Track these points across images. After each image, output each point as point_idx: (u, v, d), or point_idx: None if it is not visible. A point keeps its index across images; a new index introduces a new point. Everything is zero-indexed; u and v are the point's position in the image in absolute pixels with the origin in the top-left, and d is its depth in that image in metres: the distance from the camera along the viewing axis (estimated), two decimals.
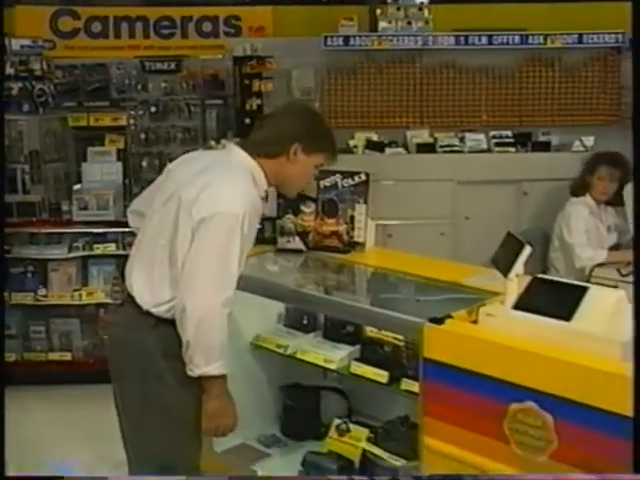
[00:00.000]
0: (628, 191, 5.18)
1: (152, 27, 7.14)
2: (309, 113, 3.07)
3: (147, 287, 2.77)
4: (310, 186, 3.62)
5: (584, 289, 2.56)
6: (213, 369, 2.66)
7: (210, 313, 2.61)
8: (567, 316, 2.49)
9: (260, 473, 3.44)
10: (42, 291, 5.47)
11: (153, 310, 2.74)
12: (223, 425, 2.81)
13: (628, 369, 2.31)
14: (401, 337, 3.23)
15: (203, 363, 2.65)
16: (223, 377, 2.72)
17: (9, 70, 5.57)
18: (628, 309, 2.52)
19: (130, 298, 2.82)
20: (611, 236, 5.40)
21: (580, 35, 6.51)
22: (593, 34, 6.51)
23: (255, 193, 2.76)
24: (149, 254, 2.80)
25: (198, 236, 2.63)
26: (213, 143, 5.56)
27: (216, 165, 2.82)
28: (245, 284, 3.36)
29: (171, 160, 5.55)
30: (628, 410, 2.21)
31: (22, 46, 5.73)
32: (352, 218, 3.64)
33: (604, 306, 2.48)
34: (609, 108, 6.69)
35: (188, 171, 2.82)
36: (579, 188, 5.43)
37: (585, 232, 5.28)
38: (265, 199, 2.89)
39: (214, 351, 2.66)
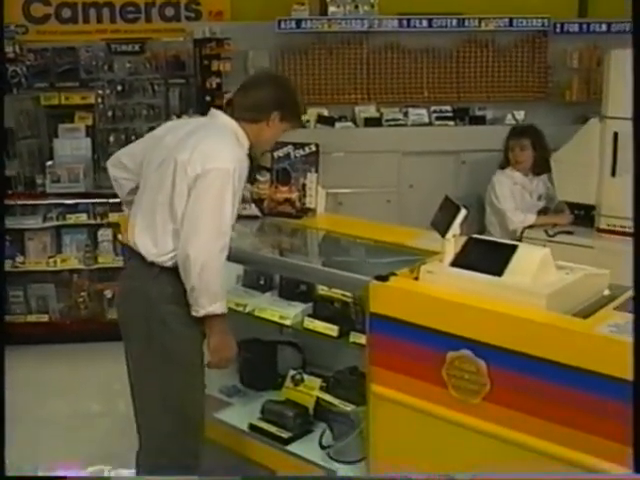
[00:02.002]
0: (555, 158, 5.24)
1: (118, 12, 6.95)
2: (288, 84, 3.19)
3: (152, 241, 2.82)
4: (264, 157, 3.61)
5: (514, 247, 2.57)
6: (216, 308, 2.75)
7: (211, 258, 2.70)
8: (499, 272, 2.50)
9: (223, 420, 3.44)
10: (20, 258, 5.45)
11: (158, 260, 2.80)
12: (225, 358, 2.91)
13: (552, 318, 2.34)
14: (349, 294, 3.21)
15: (207, 303, 2.73)
16: (224, 315, 2.81)
17: None
18: (552, 264, 2.55)
19: (135, 254, 2.87)
20: (539, 203, 5.43)
21: (511, 19, 6.49)
22: (522, 18, 6.49)
23: (241, 151, 2.85)
24: (150, 213, 2.84)
25: (195, 191, 2.71)
26: (175, 118, 5.49)
27: (204, 127, 2.90)
28: None
29: (136, 135, 5.57)
30: (551, 354, 2.24)
31: None
32: (304, 186, 3.62)
33: (531, 262, 2.49)
34: (537, 85, 6.69)
35: (177, 136, 2.89)
36: (503, 162, 5.47)
37: (511, 198, 5.32)
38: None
39: (216, 292, 2.75)
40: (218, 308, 2.76)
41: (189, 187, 2.72)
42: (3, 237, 4.98)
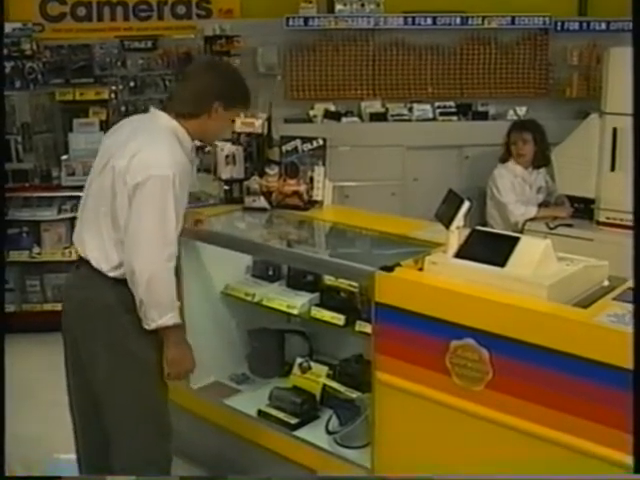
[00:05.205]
0: (556, 152, 5.22)
1: (131, 10, 6.93)
2: (226, 71, 2.94)
3: (101, 253, 2.66)
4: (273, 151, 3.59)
5: (516, 239, 2.55)
6: (167, 320, 2.61)
7: (157, 271, 2.56)
8: (501, 263, 2.48)
9: (232, 406, 3.43)
10: (36, 249, 5.43)
11: (110, 274, 2.66)
12: (183, 370, 2.77)
13: (553, 308, 2.33)
14: (355, 284, 3.20)
15: (157, 317, 2.60)
16: (178, 326, 2.66)
17: None
18: (553, 256, 2.53)
19: (85, 262, 2.71)
20: (539, 196, 5.41)
21: (513, 17, 6.48)
22: (524, 17, 6.48)
23: (182, 153, 2.68)
24: (95, 222, 2.69)
25: (135, 200, 2.55)
26: None
27: (142, 131, 2.71)
28: (216, 239, 3.36)
29: None
30: (552, 343, 2.23)
31: (14, 29, 5.65)
32: (311, 179, 3.59)
33: (533, 254, 2.48)
34: (538, 82, 6.67)
35: (117, 139, 2.73)
36: (503, 155, 5.45)
37: (512, 191, 5.31)
38: (202, 149, 2.79)
39: (166, 304, 2.60)
40: (169, 320, 2.61)
41: (129, 196, 2.56)
42: (4, 228, 5.01)
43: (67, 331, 2.86)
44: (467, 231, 2.67)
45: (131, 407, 2.76)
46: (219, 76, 2.81)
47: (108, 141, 2.79)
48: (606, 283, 2.59)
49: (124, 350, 2.69)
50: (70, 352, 2.89)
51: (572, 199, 5.22)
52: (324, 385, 3.36)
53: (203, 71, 2.88)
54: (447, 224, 2.66)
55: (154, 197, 2.55)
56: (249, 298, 3.49)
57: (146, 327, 2.62)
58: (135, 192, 2.55)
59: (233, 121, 3.44)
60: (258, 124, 3.64)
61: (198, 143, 3.02)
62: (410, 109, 6.47)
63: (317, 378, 3.38)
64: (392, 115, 6.42)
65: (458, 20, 6.47)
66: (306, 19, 6.33)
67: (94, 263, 2.67)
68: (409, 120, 6.41)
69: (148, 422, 2.78)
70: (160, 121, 2.74)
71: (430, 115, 6.46)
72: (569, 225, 5.06)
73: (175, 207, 2.58)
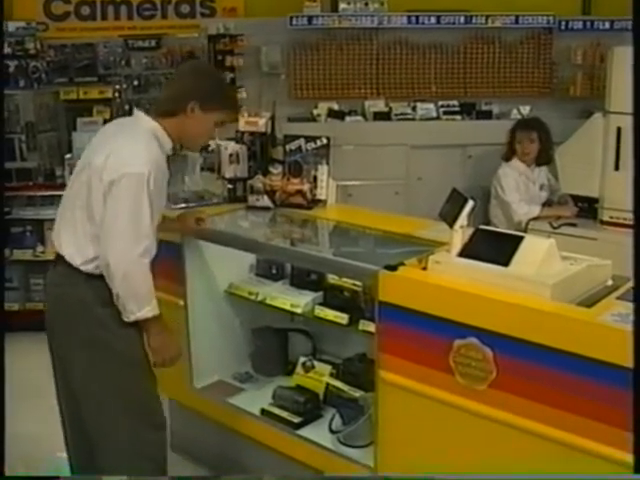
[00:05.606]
0: (559, 151, 5.22)
1: (135, 9, 6.95)
2: (207, 73, 3.03)
3: (75, 248, 2.70)
4: (276, 150, 3.58)
5: (520, 238, 2.54)
6: (146, 312, 2.66)
7: (132, 265, 2.61)
8: (505, 262, 2.47)
9: (236, 405, 3.42)
10: (40, 248, 5.45)
11: (82, 268, 2.68)
12: (168, 357, 2.80)
13: (556, 307, 2.32)
14: (359, 283, 3.19)
15: (136, 309, 2.65)
16: (158, 317, 2.71)
17: (7, 50, 5.53)
18: (557, 255, 2.53)
19: (61, 259, 2.74)
20: (543, 194, 5.40)
21: (517, 16, 6.49)
22: (528, 16, 6.49)
23: (159, 153, 2.74)
24: (71, 217, 2.74)
25: (110, 197, 2.61)
26: None
27: (121, 132, 2.79)
28: (220, 238, 3.36)
29: None
30: (556, 342, 2.23)
31: (18, 28, 5.68)
32: (315, 178, 3.59)
33: (537, 253, 2.47)
34: (542, 81, 6.68)
35: (98, 140, 2.81)
36: (507, 153, 5.44)
37: (516, 190, 5.30)
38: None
39: (143, 297, 2.66)
40: (148, 312, 2.66)
41: (104, 193, 2.62)
42: (4, 227, 5.01)
43: (49, 330, 2.87)
44: (471, 230, 2.67)
45: (112, 402, 2.76)
46: (198, 77, 2.88)
47: (93, 142, 2.85)
48: (610, 282, 2.58)
49: (101, 344, 2.71)
50: (54, 352, 2.89)
51: (576, 198, 5.22)
52: (327, 384, 3.35)
53: (184, 73, 2.99)
54: (451, 223, 2.65)
55: (128, 194, 2.60)
56: (253, 297, 3.48)
57: (126, 319, 2.67)
58: (110, 189, 2.61)
59: (236, 123, 3.47)
60: (262, 123, 3.65)
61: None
62: (414, 108, 6.47)
63: (320, 377, 3.38)
64: (396, 114, 6.42)
65: (462, 19, 6.48)
66: (310, 18, 6.34)
67: (68, 258, 2.71)
68: (413, 119, 6.42)
69: (133, 415, 2.79)
70: (141, 122, 2.80)
71: (434, 114, 6.47)
72: (573, 224, 5.05)
73: (150, 204, 2.63)
